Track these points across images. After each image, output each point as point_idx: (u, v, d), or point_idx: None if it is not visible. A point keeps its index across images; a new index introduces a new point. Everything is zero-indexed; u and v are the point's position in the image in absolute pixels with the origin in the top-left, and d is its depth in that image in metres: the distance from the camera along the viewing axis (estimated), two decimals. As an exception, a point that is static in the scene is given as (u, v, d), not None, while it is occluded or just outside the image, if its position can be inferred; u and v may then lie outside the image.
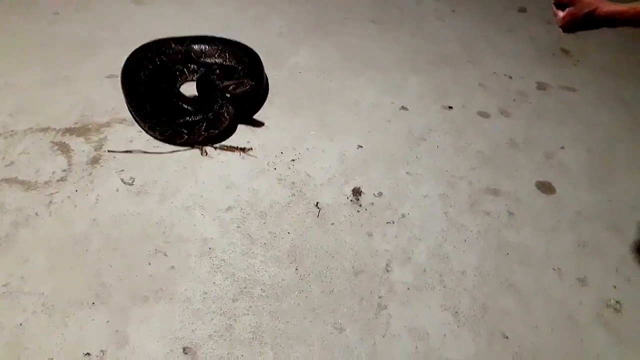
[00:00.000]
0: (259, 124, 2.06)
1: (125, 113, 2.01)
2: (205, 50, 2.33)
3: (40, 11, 2.57)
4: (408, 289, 1.54)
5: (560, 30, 1.37)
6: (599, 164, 2.14)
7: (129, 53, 2.16)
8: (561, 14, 1.33)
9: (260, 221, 1.68)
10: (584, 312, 1.57)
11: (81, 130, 1.92)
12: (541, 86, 2.60)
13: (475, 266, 1.64)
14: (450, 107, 2.34)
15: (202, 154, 1.90)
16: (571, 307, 1.57)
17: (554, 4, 1.35)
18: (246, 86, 1.91)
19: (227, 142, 1.96)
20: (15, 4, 2.58)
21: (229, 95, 1.94)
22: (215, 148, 1.92)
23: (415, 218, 1.78)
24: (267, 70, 2.32)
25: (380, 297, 1.50)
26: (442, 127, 2.21)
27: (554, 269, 1.67)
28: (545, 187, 1.99)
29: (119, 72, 2.09)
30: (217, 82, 2.00)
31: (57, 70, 2.19)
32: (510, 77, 2.63)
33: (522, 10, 3.35)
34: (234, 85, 1.92)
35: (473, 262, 1.65)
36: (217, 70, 2.14)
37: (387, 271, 1.59)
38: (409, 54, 2.72)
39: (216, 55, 2.34)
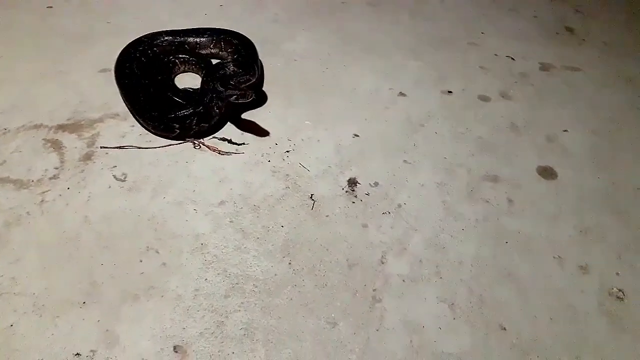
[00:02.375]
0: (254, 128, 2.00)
1: (118, 108, 1.99)
2: (200, 42, 2.29)
3: (33, 4, 2.55)
4: (403, 281, 1.52)
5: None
6: (603, 147, 2.08)
7: (123, 46, 2.13)
8: None
9: (254, 215, 1.65)
10: (585, 301, 1.53)
11: (74, 127, 1.90)
12: (544, 67, 2.52)
13: (473, 256, 1.60)
14: (450, 92, 2.28)
15: (194, 147, 1.87)
16: (572, 296, 1.54)
17: None
18: (248, 98, 1.84)
19: (220, 135, 1.93)
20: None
21: (232, 99, 1.87)
22: (197, 144, 1.87)
23: (412, 208, 1.74)
24: (262, 58, 2.28)
25: (374, 290, 1.48)
26: (441, 113, 2.16)
27: (554, 257, 1.63)
28: (547, 172, 1.93)
29: (112, 66, 2.06)
30: (217, 84, 1.92)
31: (51, 65, 2.18)
32: (513, 59, 2.56)
33: (528, -12, 3.24)
34: (236, 95, 1.85)
35: (471, 251, 1.62)
36: (227, 71, 2.03)
37: (382, 263, 1.56)
38: (408, 37, 2.66)
39: (211, 46, 2.30)
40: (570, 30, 2.87)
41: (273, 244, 1.57)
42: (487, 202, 1.79)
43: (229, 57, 2.24)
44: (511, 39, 2.71)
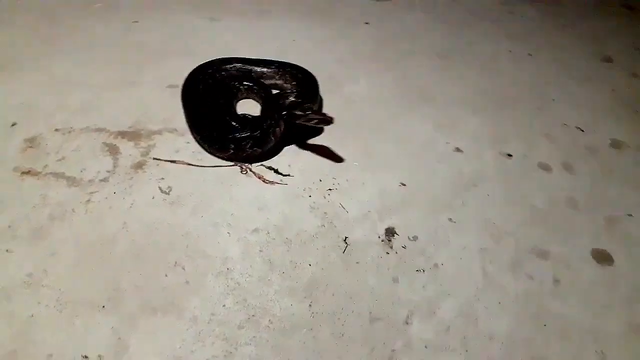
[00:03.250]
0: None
1: (177, 123, 2.07)
2: (266, 73, 2.35)
3: (121, 19, 2.74)
4: (426, 346, 1.43)
5: None
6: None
7: (194, 66, 2.23)
8: None
9: (284, 248, 1.63)
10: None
11: (133, 135, 1.99)
12: (616, 144, 2.38)
13: (506, 333, 1.49)
14: (510, 155, 2.19)
15: (241, 171, 1.89)
16: (612, 399, 1.38)
17: None
18: (329, 122, 1.82)
19: (268, 163, 1.95)
20: (100, 11, 2.76)
21: (298, 121, 1.87)
22: (244, 169, 1.90)
23: (449, 270, 1.66)
24: (323, 95, 2.30)
25: (393, 351, 1.40)
26: (496, 175, 2.07)
27: (596, 351, 1.48)
28: (602, 257, 1.79)
29: (180, 83, 2.16)
30: (284, 104, 1.96)
31: (124, 75, 2.30)
32: (582, 130, 2.43)
33: (607, 59, 3.11)
34: (317, 120, 1.84)
35: (504, 328, 1.50)
36: (287, 101, 2.05)
37: (407, 323, 1.48)
38: (472, 93, 2.60)
39: (276, 77, 2.37)
40: (650, 109, 2.70)
41: (298, 281, 1.54)
42: (531, 278, 1.67)
43: (292, 89, 2.29)
44: (584, 110, 2.58)
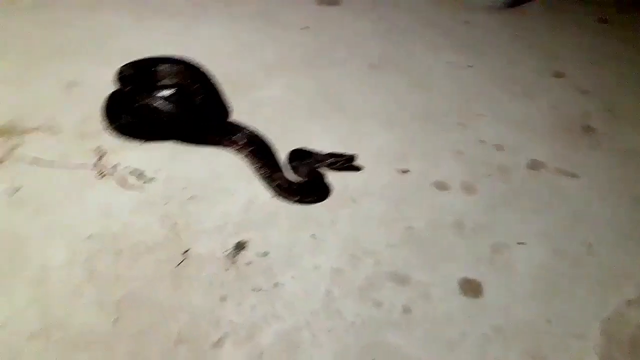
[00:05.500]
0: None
1: (56, 121, 2.00)
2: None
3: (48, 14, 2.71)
4: (226, 374, 1.31)
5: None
6: (558, 273, 1.72)
7: (105, 66, 2.17)
8: None
9: (113, 259, 1.54)
10: None
11: (4, 131, 1.94)
12: (534, 165, 2.20)
13: (324, 365, 1.35)
14: (406, 171, 2.05)
15: (98, 175, 1.81)
16: None
17: None
18: (351, 160, 1.92)
19: (135, 165, 1.86)
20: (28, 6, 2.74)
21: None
22: (101, 174, 1.82)
23: (289, 290, 1.54)
24: (232, 98, 2.24)
25: (186, 377, 1.29)
26: (382, 192, 1.94)
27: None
28: (471, 287, 1.63)
29: (81, 81, 2.15)
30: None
31: (24, 70, 2.27)
32: (501, 149, 2.26)
33: (559, 75, 2.93)
34: (342, 161, 1.92)
35: (324, 359, 1.37)
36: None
37: (217, 347, 1.36)
38: (393, 105, 2.46)
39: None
40: (590, 130, 2.50)
41: (111, 295, 1.44)
42: (379, 305, 1.53)
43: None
44: (511, 127, 2.41)
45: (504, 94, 2.67)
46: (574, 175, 2.18)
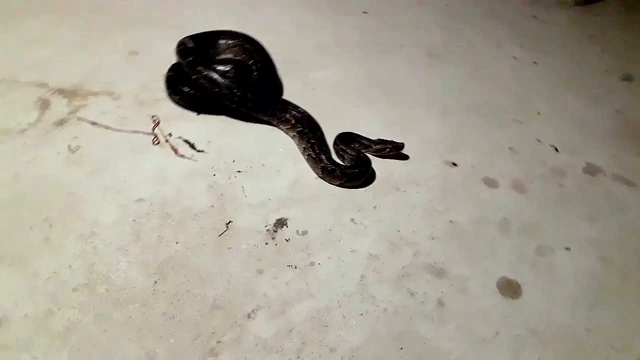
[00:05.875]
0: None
1: (117, 87, 2.09)
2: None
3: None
4: (256, 344, 1.34)
5: None
6: (603, 283, 1.65)
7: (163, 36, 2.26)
8: None
9: (160, 222, 1.60)
10: None
11: (69, 93, 2.04)
12: (591, 169, 2.10)
13: (351, 349, 1.36)
14: (454, 164, 2.01)
15: (154, 142, 1.88)
16: None
17: None
18: (400, 148, 1.95)
19: (186, 136, 1.91)
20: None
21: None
22: (156, 140, 1.88)
23: (324, 271, 1.54)
24: (285, 78, 2.28)
25: (218, 342, 1.33)
26: (428, 183, 1.90)
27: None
28: (509, 288, 1.59)
29: (142, 50, 2.24)
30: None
31: (89, 38, 2.37)
32: (556, 150, 2.17)
33: (628, 78, 2.76)
34: (389, 148, 1.95)
35: (352, 343, 1.37)
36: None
37: (250, 317, 1.39)
38: (448, 95, 2.41)
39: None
40: (656, 137, 2.36)
41: (155, 257, 1.50)
42: (412, 295, 1.52)
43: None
44: (569, 128, 2.31)
45: (567, 94, 2.55)
46: (632, 184, 2.06)
